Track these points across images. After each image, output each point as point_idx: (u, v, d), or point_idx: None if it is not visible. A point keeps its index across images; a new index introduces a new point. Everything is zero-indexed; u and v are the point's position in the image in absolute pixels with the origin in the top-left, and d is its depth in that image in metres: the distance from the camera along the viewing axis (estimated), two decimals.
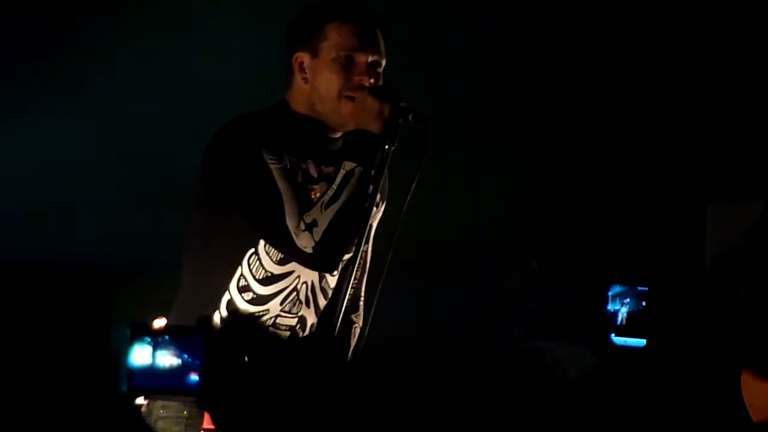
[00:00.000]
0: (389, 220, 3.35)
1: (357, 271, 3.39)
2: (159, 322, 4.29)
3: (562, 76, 6.15)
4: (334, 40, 3.27)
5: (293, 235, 3.11)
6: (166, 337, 2.43)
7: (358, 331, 3.49)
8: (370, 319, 3.28)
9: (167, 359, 2.46)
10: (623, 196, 6.39)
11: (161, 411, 3.16)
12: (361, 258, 3.42)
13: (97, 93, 5.58)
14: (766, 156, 5.66)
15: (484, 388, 6.31)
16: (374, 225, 3.45)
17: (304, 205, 3.13)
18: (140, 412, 3.15)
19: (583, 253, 6.41)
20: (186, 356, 2.46)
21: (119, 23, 5.59)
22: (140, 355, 2.44)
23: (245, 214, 3.17)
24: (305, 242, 3.11)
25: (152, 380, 2.45)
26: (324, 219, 3.11)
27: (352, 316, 3.47)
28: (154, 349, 2.44)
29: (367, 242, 3.45)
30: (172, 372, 2.46)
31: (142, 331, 2.42)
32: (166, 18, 5.61)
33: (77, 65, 5.61)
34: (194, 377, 2.47)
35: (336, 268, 3.28)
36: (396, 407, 6.13)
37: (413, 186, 3.16)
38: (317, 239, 3.10)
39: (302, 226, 3.10)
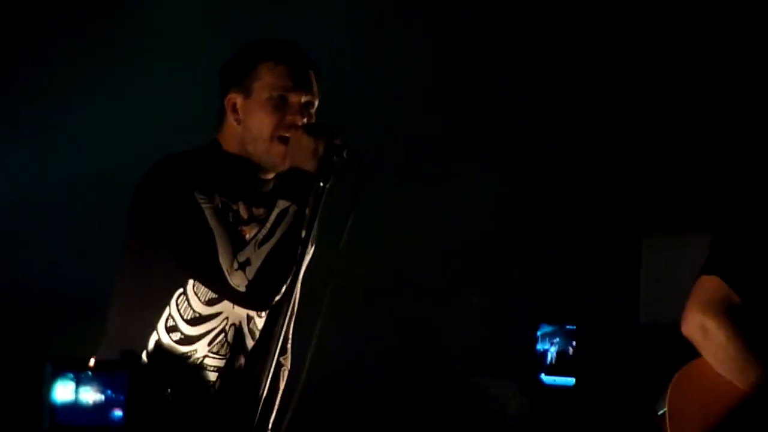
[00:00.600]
0: (325, 257, 3.35)
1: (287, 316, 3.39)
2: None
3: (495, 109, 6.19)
4: (267, 80, 3.28)
5: (226, 274, 3.10)
6: (89, 372, 2.41)
7: (286, 373, 3.49)
8: (308, 359, 3.26)
9: (90, 395, 2.44)
10: (558, 229, 6.43)
11: None
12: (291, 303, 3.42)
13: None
14: (701, 188, 5.72)
15: (423, 426, 6.31)
16: (302, 268, 3.44)
17: (237, 244, 3.13)
18: None
19: (519, 289, 6.44)
20: (110, 392, 2.45)
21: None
22: (63, 391, 2.42)
23: (176, 254, 3.17)
24: (238, 281, 3.11)
25: (75, 416, 2.43)
26: (257, 258, 3.11)
27: (281, 359, 3.46)
28: (77, 384, 2.43)
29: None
30: (95, 408, 2.44)
31: (65, 366, 2.40)
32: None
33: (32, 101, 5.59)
34: (118, 413, 2.46)
35: (268, 307, 3.27)
36: None
37: (350, 222, 3.18)
38: (250, 278, 3.10)
39: (235, 265, 3.10)
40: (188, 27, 5.67)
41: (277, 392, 3.46)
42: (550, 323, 6.47)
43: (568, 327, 6.49)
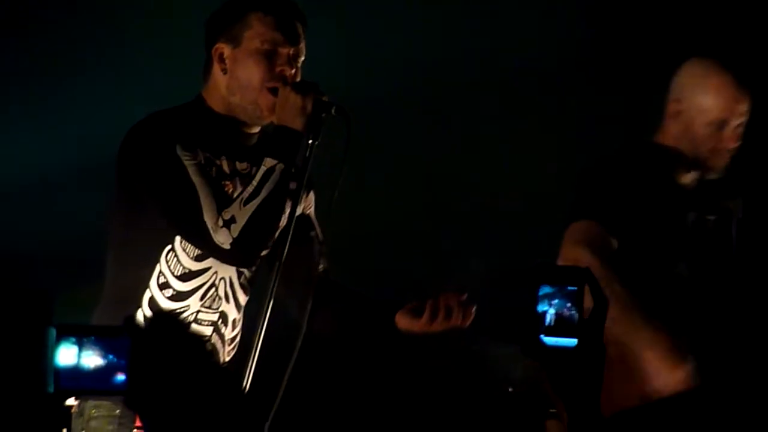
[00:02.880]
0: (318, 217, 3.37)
1: (314, 258, 3.43)
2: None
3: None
4: (256, 30, 3.31)
5: (211, 231, 3.13)
6: (92, 337, 2.43)
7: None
8: (305, 322, 3.29)
9: (93, 359, 2.47)
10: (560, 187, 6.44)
11: (93, 411, 3.18)
12: (315, 244, 3.45)
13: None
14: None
15: (427, 390, 6.34)
16: (312, 213, 3.48)
17: (222, 201, 3.16)
18: (71, 413, 3.15)
19: (522, 251, 6.45)
20: (112, 356, 2.47)
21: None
22: (66, 355, 2.45)
23: (161, 211, 3.19)
24: (223, 238, 3.15)
25: (79, 381, 2.46)
26: (243, 215, 3.14)
27: (330, 290, 3.49)
28: (80, 349, 2.45)
29: (312, 229, 3.47)
30: (98, 372, 2.47)
31: (68, 332, 2.43)
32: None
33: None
34: (121, 377, 2.49)
35: (253, 264, 3.31)
36: (338, 412, 6.16)
37: (341, 180, 3.20)
38: (235, 235, 3.13)
39: (220, 223, 3.13)
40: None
41: (362, 296, 3.56)
42: (550, 284, 6.50)
43: (569, 288, 6.52)
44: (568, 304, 6.43)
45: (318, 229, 3.53)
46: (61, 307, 5.21)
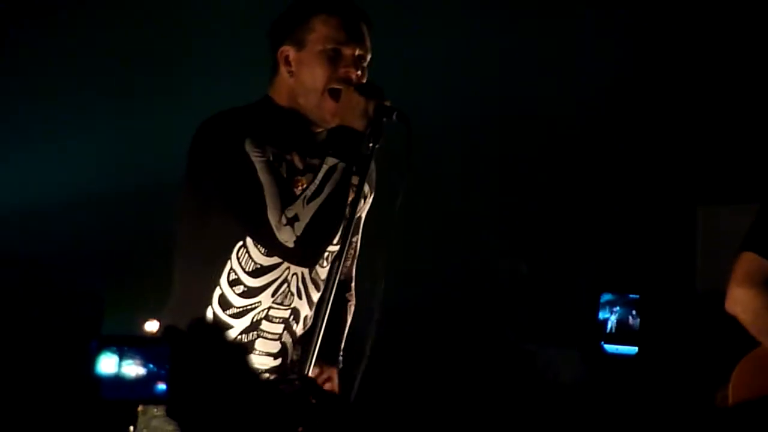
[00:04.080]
0: (382, 218, 3.36)
1: (347, 261, 3.42)
2: (151, 325, 4.31)
3: (555, 80, 6.16)
4: (320, 32, 3.29)
5: (274, 229, 3.12)
6: (132, 346, 2.45)
7: (352, 308, 3.52)
8: (376, 314, 3.27)
9: (133, 369, 2.48)
10: (614, 200, 6.40)
11: (156, 410, 3.19)
12: (351, 248, 3.46)
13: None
14: (755, 160, 5.66)
15: (477, 390, 6.33)
16: (363, 216, 3.48)
17: (287, 199, 3.15)
18: (137, 411, 3.17)
19: (575, 257, 6.43)
20: (152, 365, 2.48)
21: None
22: (107, 365, 2.46)
23: (228, 208, 3.19)
24: (286, 237, 3.13)
25: (120, 390, 2.47)
26: (306, 214, 3.13)
27: (346, 295, 3.51)
28: (121, 359, 2.47)
29: (356, 233, 3.48)
30: (139, 381, 2.48)
31: (109, 342, 2.45)
32: None
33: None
34: (162, 386, 2.50)
35: (316, 263, 3.30)
36: (388, 407, 6.16)
37: (405, 185, 3.19)
38: (298, 234, 3.12)
39: (283, 221, 3.12)
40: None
41: (344, 326, 3.50)
42: (612, 292, 6.47)
43: (630, 296, 6.48)
44: (633, 312, 6.41)
45: (359, 236, 3.53)
46: (110, 308, 5.34)
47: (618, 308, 6.30)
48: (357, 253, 3.56)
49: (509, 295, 6.52)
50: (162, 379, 2.50)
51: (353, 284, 3.58)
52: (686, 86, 6.11)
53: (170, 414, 2.58)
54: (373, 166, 3.38)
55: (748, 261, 3.56)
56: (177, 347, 2.51)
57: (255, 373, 3.16)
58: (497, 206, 6.33)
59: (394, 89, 3.26)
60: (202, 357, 2.93)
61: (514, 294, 6.52)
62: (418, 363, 6.32)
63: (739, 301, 3.54)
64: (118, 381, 2.47)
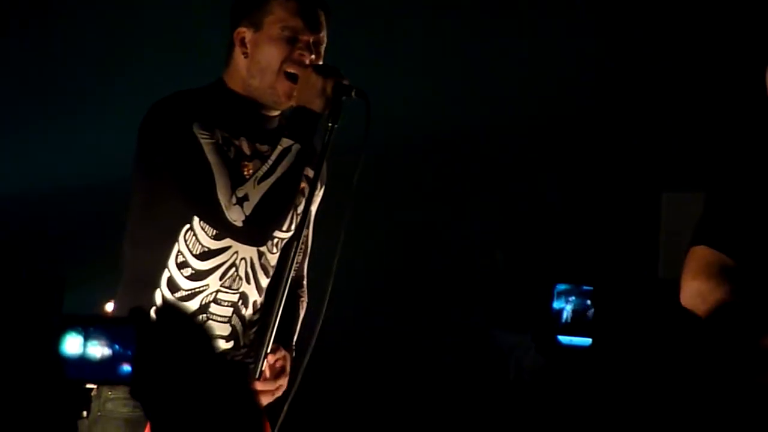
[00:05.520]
0: (338, 201, 3.36)
1: (299, 254, 3.42)
2: (111, 306, 4.30)
3: (519, 68, 6.17)
4: (278, 15, 3.30)
5: (224, 208, 3.13)
6: (98, 326, 2.43)
7: (305, 304, 3.52)
8: (324, 308, 3.29)
9: (99, 349, 2.46)
10: (577, 187, 6.43)
11: (110, 393, 3.19)
12: (302, 242, 3.45)
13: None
14: (720, 145, 5.71)
15: (439, 373, 6.35)
16: (314, 210, 3.47)
17: (237, 180, 3.15)
18: (90, 395, 3.16)
19: (539, 246, 6.46)
20: (118, 346, 2.47)
21: None
22: (72, 345, 2.45)
23: (177, 189, 3.19)
24: (236, 216, 3.14)
25: (84, 370, 2.46)
26: (256, 193, 3.14)
27: (298, 291, 3.50)
28: (86, 339, 2.45)
29: (307, 227, 3.48)
30: (104, 362, 2.46)
31: (73, 322, 2.43)
32: None
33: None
34: (127, 367, 2.48)
35: (265, 243, 3.30)
36: (357, 393, 6.18)
37: (360, 163, 3.19)
38: (248, 213, 3.13)
39: (234, 200, 3.13)
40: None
41: (297, 320, 3.50)
42: (567, 282, 6.50)
43: (584, 287, 6.52)
44: (587, 303, 6.45)
45: (311, 230, 3.52)
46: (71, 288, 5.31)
47: (573, 299, 6.34)
48: (309, 248, 3.55)
49: (483, 283, 6.54)
50: (127, 360, 2.49)
51: (305, 282, 3.58)
52: (650, 70, 6.15)
53: (134, 395, 2.55)
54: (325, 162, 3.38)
55: (701, 254, 3.56)
56: (141, 328, 2.50)
57: (217, 354, 3.15)
58: (456, 196, 6.35)
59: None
60: (164, 338, 2.91)
61: (488, 281, 6.53)
62: (379, 346, 6.33)
63: (697, 293, 3.53)
64: (83, 361, 2.46)
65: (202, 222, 3.25)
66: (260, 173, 3.17)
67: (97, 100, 5.67)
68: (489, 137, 6.19)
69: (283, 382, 3.39)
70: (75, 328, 2.46)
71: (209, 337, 3.16)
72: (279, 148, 3.20)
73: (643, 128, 6.27)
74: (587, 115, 6.23)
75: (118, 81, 5.64)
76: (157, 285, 3.25)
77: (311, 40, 3.31)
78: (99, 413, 3.23)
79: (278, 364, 3.36)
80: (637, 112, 6.25)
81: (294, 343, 3.49)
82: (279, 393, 3.38)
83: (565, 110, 6.16)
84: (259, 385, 3.27)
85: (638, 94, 6.22)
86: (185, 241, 3.26)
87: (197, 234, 3.26)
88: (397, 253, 6.25)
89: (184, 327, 3.12)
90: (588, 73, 6.13)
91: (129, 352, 2.48)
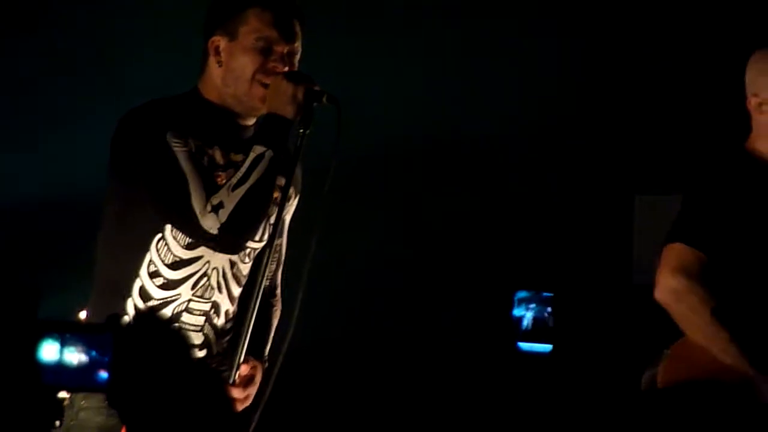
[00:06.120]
0: (310, 207, 3.36)
1: (272, 263, 3.41)
2: (84, 314, 4.26)
3: (491, 74, 6.18)
4: (253, 25, 3.30)
5: (198, 216, 3.12)
6: (75, 333, 2.41)
7: (278, 312, 3.52)
8: (296, 311, 3.28)
9: (76, 356, 2.44)
10: (553, 188, 6.45)
11: (83, 402, 3.17)
12: (275, 251, 3.45)
13: None
14: (695, 148, 5.74)
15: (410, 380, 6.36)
16: (287, 219, 3.47)
17: (211, 188, 3.14)
18: (62, 405, 3.13)
19: (514, 248, 6.47)
20: (95, 353, 2.44)
21: None
22: (48, 351, 2.42)
23: (150, 197, 3.18)
24: (211, 223, 3.14)
25: (61, 377, 2.43)
26: (231, 201, 3.13)
27: (271, 300, 3.50)
28: (62, 345, 2.43)
29: (280, 236, 3.48)
30: (81, 368, 2.44)
31: (50, 328, 2.40)
32: None
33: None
34: (104, 374, 2.46)
35: (239, 251, 3.29)
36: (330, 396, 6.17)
37: (332, 169, 3.19)
38: (223, 221, 3.13)
39: (208, 208, 3.12)
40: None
41: (269, 330, 3.49)
42: (527, 289, 6.51)
43: (544, 294, 6.54)
44: (548, 309, 6.46)
45: (284, 239, 3.52)
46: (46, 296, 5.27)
47: (533, 306, 6.36)
48: (282, 257, 3.55)
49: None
50: (104, 367, 2.46)
51: (279, 291, 3.58)
52: (622, 74, 6.17)
53: (110, 402, 2.53)
54: (299, 171, 3.40)
55: (679, 251, 3.60)
56: (118, 335, 2.47)
57: (191, 362, 3.13)
58: (420, 200, 6.36)
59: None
60: (139, 346, 2.89)
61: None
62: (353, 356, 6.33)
63: (674, 290, 3.58)
64: (59, 368, 2.43)
65: (174, 231, 3.24)
66: (234, 180, 3.17)
67: (74, 109, 5.62)
68: (460, 142, 6.20)
69: (252, 391, 3.38)
70: (52, 334, 2.43)
71: (184, 346, 3.15)
72: (252, 155, 3.19)
73: (615, 131, 6.29)
74: (559, 119, 6.25)
75: (97, 91, 5.60)
76: (129, 294, 3.23)
77: (285, 51, 3.31)
78: (72, 422, 3.21)
79: (248, 373, 3.35)
80: (609, 115, 6.27)
81: (266, 353, 3.48)
82: (247, 402, 3.37)
83: (536, 115, 6.18)
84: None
85: (610, 98, 6.24)
86: (157, 250, 3.24)
87: (169, 243, 3.25)
88: (381, 254, 6.25)
89: (159, 335, 3.10)
90: (560, 78, 6.15)
91: (106, 359, 2.46)
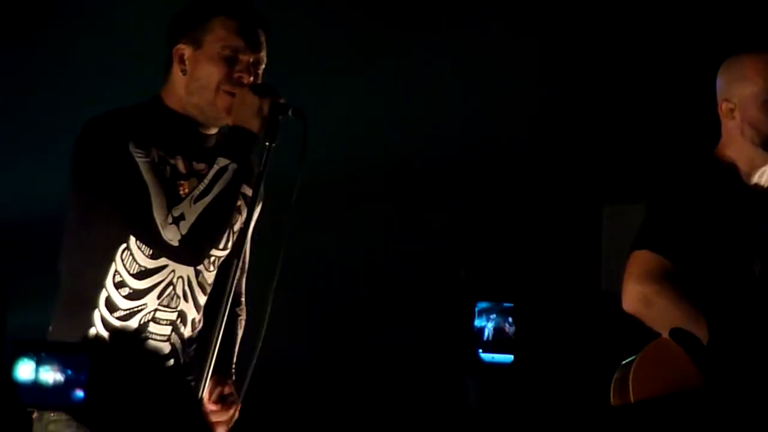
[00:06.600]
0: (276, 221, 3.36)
1: (237, 271, 3.40)
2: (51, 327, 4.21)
3: (456, 80, 6.19)
4: (218, 34, 3.26)
5: (159, 227, 3.11)
6: (50, 352, 2.41)
7: (243, 323, 3.51)
8: (265, 323, 3.28)
9: (51, 375, 2.43)
10: (520, 198, 6.46)
11: (53, 415, 3.14)
12: (240, 260, 3.43)
13: None
14: (661, 157, 5.79)
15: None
16: (251, 226, 3.46)
17: (173, 199, 3.13)
18: (32, 419, 3.12)
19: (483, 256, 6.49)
20: (70, 372, 2.44)
21: None
22: (24, 371, 2.42)
23: (112, 207, 3.16)
24: (171, 235, 3.11)
25: (37, 396, 2.43)
26: (192, 213, 3.12)
27: (236, 309, 3.49)
28: (38, 365, 2.42)
29: (245, 244, 3.47)
30: (57, 387, 2.44)
31: (26, 347, 2.40)
32: None
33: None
34: (80, 393, 2.46)
35: (201, 263, 3.29)
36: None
37: (299, 181, 3.18)
38: (183, 232, 3.11)
39: (170, 219, 3.10)
40: None
41: (236, 340, 3.47)
42: (487, 300, 6.55)
43: (505, 305, 6.58)
44: (509, 320, 6.49)
45: (247, 248, 3.52)
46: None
47: (494, 316, 6.38)
48: (246, 265, 3.55)
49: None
50: (80, 386, 2.46)
51: (243, 298, 3.57)
52: (589, 84, 6.19)
53: (86, 421, 2.53)
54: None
55: (644, 259, 3.62)
56: (93, 353, 2.48)
57: (161, 372, 3.13)
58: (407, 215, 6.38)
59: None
60: (115, 362, 2.89)
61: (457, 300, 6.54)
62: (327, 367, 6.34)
63: (641, 297, 3.57)
64: (35, 387, 2.42)
65: (138, 241, 3.23)
66: (196, 192, 3.16)
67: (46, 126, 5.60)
68: (431, 149, 6.21)
69: (236, 409, 3.39)
70: (27, 353, 2.42)
71: (153, 357, 3.15)
72: (215, 167, 3.19)
73: (584, 140, 6.31)
74: (528, 128, 6.27)
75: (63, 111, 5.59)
76: (95, 305, 3.21)
77: (251, 60, 3.30)
78: None
79: (226, 392, 3.35)
80: (578, 124, 6.29)
81: (233, 365, 3.48)
82: (232, 422, 3.37)
83: (504, 125, 6.20)
84: (213, 417, 3.27)
85: (579, 107, 6.26)
86: (122, 260, 3.23)
87: (134, 253, 3.24)
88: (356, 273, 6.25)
89: (129, 347, 3.10)
90: (527, 89, 6.17)
91: (82, 378, 2.46)
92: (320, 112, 3.29)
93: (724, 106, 3.73)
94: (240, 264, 3.36)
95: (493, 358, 6.33)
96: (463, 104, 6.07)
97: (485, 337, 6.34)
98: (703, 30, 5.58)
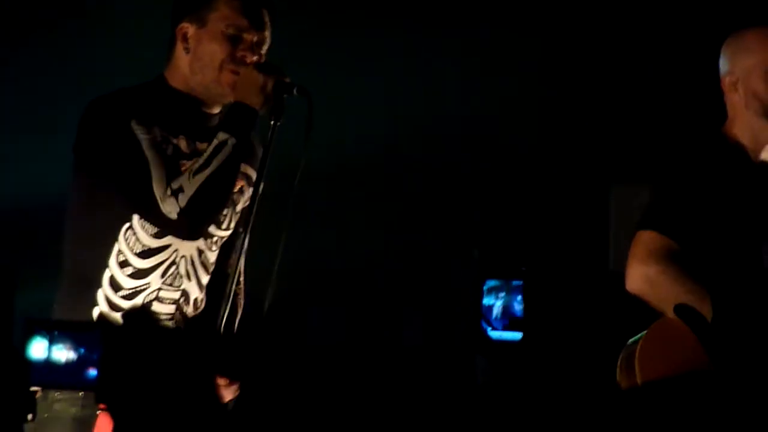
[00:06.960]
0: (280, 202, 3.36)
1: (236, 252, 3.40)
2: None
3: (463, 65, 6.19)
4: (222, 12, 3.28)
5: (159, 200, 3.12)
6: (63, 331, 2.42)
7: (242, 302, 3.52)
8: (266, 306, 3.29)
9: (64, 354, 2.44)
10: (528, 181, 6.47)
11: (57, 394, 3.15)
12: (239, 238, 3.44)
13: None
14: (670, 140, 5.78)
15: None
16: (254, 206, 3.46)
17: (173, 174, 3.14)
18: (35, 399, 3.14)
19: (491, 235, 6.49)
20: (83, 350, 2.45)
21: None
22: (37, 349, 2.43)
23: (115, 184, 3.17)
24: (170, 208, 3.13)
25: (50, 375, 2.44)
26: (191, 186, 3.13)
27: (236, 288, 3.50)
28: (51, 343, 2.43)
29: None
30: (70, 366, 2.45)
31: (39, 326, 2.41)
32: None
33: None
34: (93, 372, 2.47)
35: (200, 236, 3.30)
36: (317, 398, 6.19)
37: (303, 162, 3.19)
38: (182, 205, 3.12)
39: (168, 192, 3.11)
40: None
41: (235, 319, 3.46)
42: (496, 278, 6.55)
43: (514, 282, 6.57)
44: (517, 298, 6.50)
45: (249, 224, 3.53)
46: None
47: (503, 294, 6.39)
48: (245, 245, 3.55)
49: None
50: (93, 365, 2.47)
51: (242, 278, 3.58)
52: (598, 65, 6.18)
53: (100, 399, 2.54)
54: (259, 154, 3.39)
55: (648, 239, 3.61)
56: (107, 332, 2.48)
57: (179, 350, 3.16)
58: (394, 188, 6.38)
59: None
60: (130, 341, 2.91)
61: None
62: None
63: (645, 278, 3.56)
64: (48, 366, 2.43)
65: (141, 220, 3.24)
66: (195, 166, 3.17)
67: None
68: (434, 128, 6.21)
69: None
70: (40, 332, 2.43)
71: (163, 334, 3.17)
72: (215, 141, 3.20)
73: (591, 121, 6.31)
74: (536, 110, 6.27)
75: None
76: (99, 284, 3.22)
77: (255, 39, 3.30)
78: (46, 415, 3.19)
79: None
80: (586, 105, 6.28)
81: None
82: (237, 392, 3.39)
83: (513, 106, 6.19)
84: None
85: (587, 89, 6.26)
86: (125, 240, 3.24)
87: (137, 233, 3.25)
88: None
89: (138, 325, 3.12)
90: (535, 71, 6.17)
91: (95, 356, 2.47)
92: (320, 112, 3.28)
93: (727, 80, 3.72)
94: (243, 245, 3.37)
95: (501, 335, 6.34)
96: (465, 91, 6.07)
97: (494, 315, 6.35)
98: (711, 11, 5.57)
